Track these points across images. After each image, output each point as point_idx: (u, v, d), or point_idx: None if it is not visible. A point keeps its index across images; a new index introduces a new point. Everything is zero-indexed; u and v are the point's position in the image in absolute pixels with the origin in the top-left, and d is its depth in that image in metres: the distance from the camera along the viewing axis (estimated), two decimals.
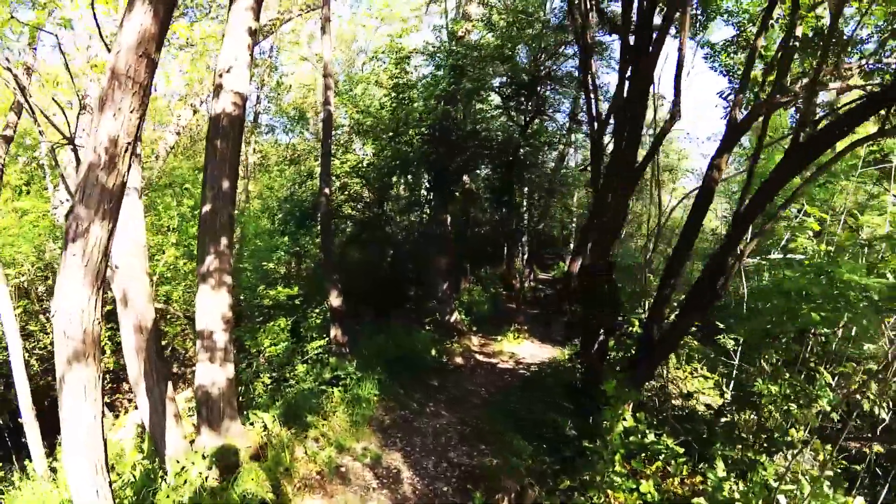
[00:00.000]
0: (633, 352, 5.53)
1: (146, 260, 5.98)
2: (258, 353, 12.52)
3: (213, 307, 5.56)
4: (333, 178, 16.47)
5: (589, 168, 13.17)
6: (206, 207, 5.53)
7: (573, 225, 27.61)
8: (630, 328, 5.30)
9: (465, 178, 21.42)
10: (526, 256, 25.99)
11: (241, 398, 9.46)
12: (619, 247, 18.14)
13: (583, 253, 16.73)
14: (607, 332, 5.83)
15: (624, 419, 5.43)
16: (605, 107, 12.57)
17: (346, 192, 16.91)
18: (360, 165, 15.91)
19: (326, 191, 11.32)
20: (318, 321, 12.05)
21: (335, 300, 10.84)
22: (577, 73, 12.40)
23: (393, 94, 14.57)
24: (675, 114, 5.92)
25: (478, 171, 19.93)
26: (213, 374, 5.68)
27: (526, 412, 7.19)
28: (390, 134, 15.01)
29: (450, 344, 11.75)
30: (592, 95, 6.83)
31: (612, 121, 6.77)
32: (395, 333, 12.03)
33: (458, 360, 11.00)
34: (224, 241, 5.52)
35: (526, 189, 19.59)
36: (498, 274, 24.00)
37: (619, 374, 5.36)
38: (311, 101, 22.93)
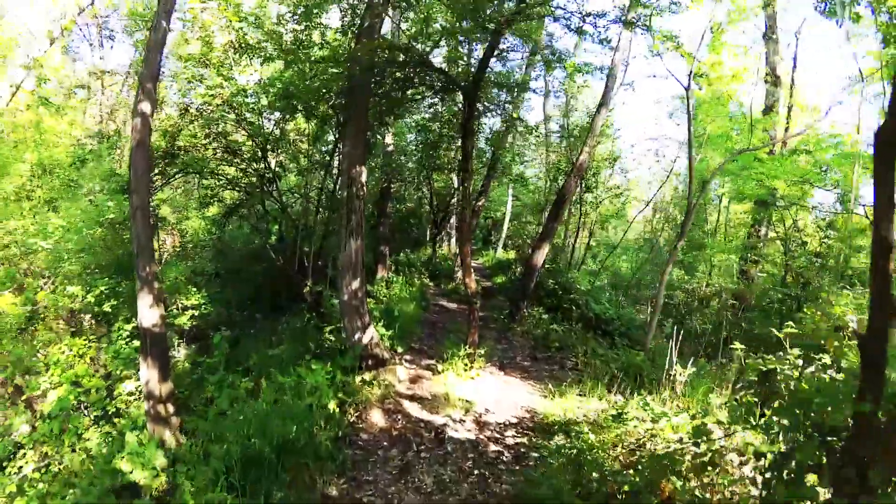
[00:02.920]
0: None
1: None
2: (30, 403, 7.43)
3: None
4: (196, 111, 10.95)
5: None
6: None
7: (511, 203, 23.76)
8: None
9: (388, 138, 16.61)
10: (453, 241, 21.77)
11: None
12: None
13: (549, 237, 12.52)
14: None
15: None
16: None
17: (223, 141, 11.37)
18: (237, 99, 10.49)
19: (145, 107, 6.10)
20: (133, 347, 6.90)
21: (148, 314, 5.73)
22: None
23: None
24: None
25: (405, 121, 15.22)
26: None
27: None
28: (289, 57, 9.78)
29: (362, 384, 7.08)
30: None
31: None
32: (270, 366, 7.14)
33: (377, 418, 6.38)
34: None
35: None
36: (423, 261, 19.45)
37: None
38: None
